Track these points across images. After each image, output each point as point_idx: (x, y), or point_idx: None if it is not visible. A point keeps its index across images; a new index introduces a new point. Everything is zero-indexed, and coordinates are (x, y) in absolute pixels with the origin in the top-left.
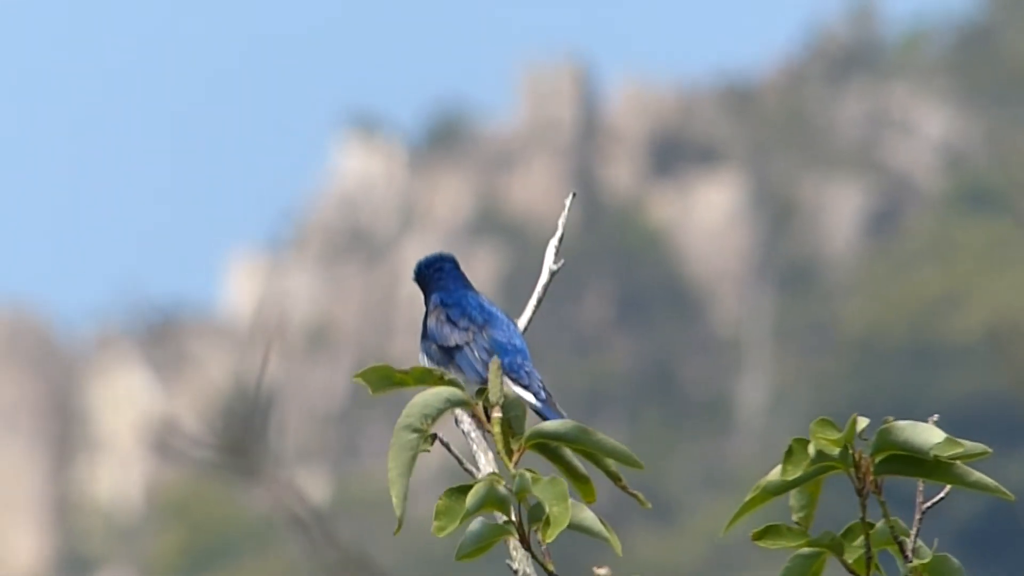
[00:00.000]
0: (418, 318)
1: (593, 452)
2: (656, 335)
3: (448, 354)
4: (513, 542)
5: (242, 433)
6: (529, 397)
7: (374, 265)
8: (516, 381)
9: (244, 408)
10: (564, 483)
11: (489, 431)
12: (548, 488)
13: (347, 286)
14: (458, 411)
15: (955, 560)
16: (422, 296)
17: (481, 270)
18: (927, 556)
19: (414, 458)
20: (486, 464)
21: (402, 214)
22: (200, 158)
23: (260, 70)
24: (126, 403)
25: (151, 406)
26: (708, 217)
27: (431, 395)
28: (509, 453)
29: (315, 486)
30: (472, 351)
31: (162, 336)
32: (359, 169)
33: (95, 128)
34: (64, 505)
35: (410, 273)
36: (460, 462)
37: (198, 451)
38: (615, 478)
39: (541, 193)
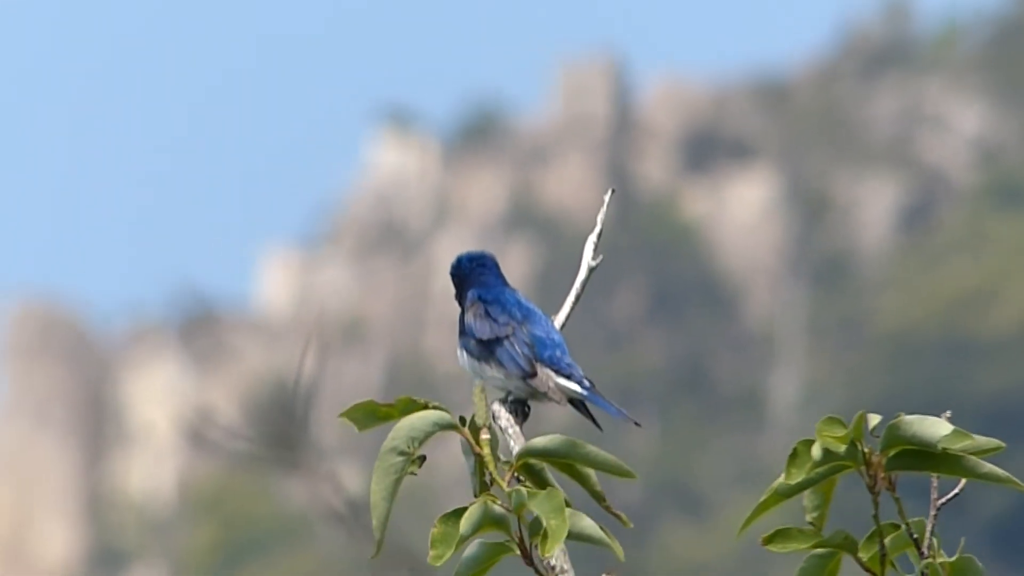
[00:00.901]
0: (451, 312)
1: (579, 471)
2: (689, 330)
3: (488, 349)
4: None
5: (283, 426)
6: (574, 386)
7: (408, 260)
8: (559, 372)
9: (285, 401)
10: (561, 495)
11: (479, 453)
12: (545, 501)
13: (380, 281)
14: (495, 407)
15: (979, 563)
16: (455, 292)
17: (515, 265)
18: (942, 554)
19: (398, 481)
20: None
21: (436, 209)
22: (235, 153)
23: (295, 65)
24: (159, 397)
25: (186, 399)
26: (741, 212)
27: (418, 418)
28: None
29: (348, 481)
30: (512, 345)
31: (197, 330)
32: (393, 164)
33: (131, 122)
34: (97, 499)
35: (444, 267)
36: (497, 458)
37: (235, 443)
38: (599, 498)
39: (575, 188)
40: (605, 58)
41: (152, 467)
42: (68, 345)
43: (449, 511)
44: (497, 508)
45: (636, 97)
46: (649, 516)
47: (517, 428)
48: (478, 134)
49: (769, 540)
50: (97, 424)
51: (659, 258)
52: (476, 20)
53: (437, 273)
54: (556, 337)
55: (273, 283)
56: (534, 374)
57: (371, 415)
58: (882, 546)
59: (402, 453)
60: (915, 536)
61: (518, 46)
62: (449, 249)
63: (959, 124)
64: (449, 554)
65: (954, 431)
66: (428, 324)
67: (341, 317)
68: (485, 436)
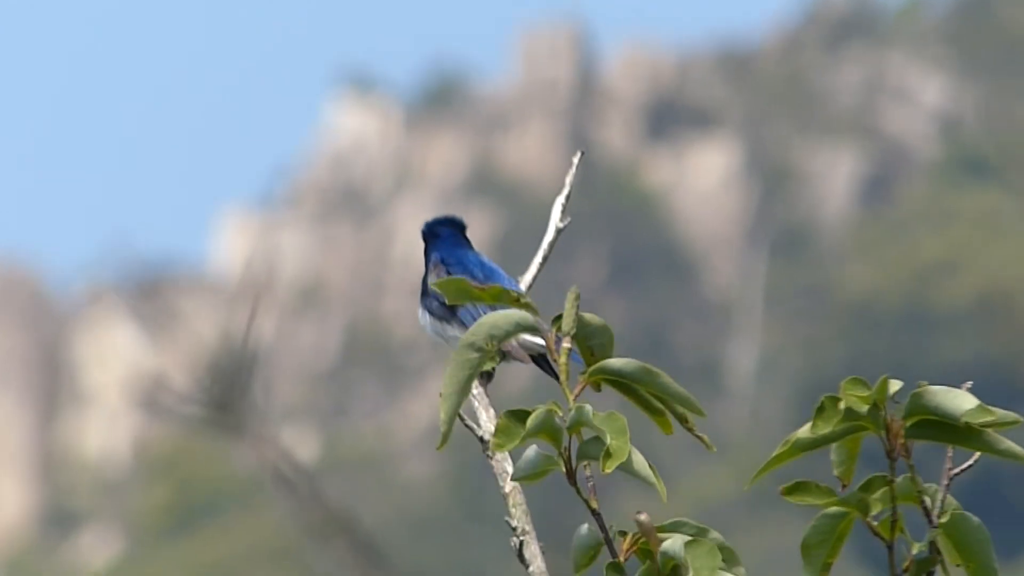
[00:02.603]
0: (410, 278)
1: (658, 394)
2: (648, 298)
3: (450, 309)
4: (512, 499)
5: (228, 390)
6: (539, 340)
7: (367, 224)
8: None
9: (230, 365)
10: (623, 418)
11: (555, 360)
12: (608, 422)
13: (339, 245)
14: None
15: (974, 518)
16: (421, 256)
17: (475, 231)
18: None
19: (471, 377)
20: (487, 421)
21: (396, 174)
22: (194, 114)
23: (255, 27)
24: (115, 359)
25: (140, 362)
26: (702, 181)
27: (501, 316)
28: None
29: (304, 445)
30: (475, 305)
31: (152, 292)
32: (353, 128)
33: (88, 82)
34: (51, 459)
35: (404, 232)
36: (461, 418)
37: (185, 407)
38: (683, 419)
39: (536, 154)
40: (568, 24)
41: (107, 429)
42: (24, 306)
43: (512, 409)
44: (556, 420)
45: (598, 64)
46: (605, 484)
47: (482, 390)
48: (440, 99)
49: (789, 492)
50: (53, 385)
51: (619, 226)
52: None
53: (396, 238)
54: None
55: (231, 246)
56: None
57: (463, 292)
58: (893, 510)
59: (479, 349)
60: (924, 500)
61: (482, 11)
62: (409, 214)
63: (921, 95)
64: (511, 446)
65: (978, 406)
66: (387, 288)
67: (299, 281)
68: (567, 345)
